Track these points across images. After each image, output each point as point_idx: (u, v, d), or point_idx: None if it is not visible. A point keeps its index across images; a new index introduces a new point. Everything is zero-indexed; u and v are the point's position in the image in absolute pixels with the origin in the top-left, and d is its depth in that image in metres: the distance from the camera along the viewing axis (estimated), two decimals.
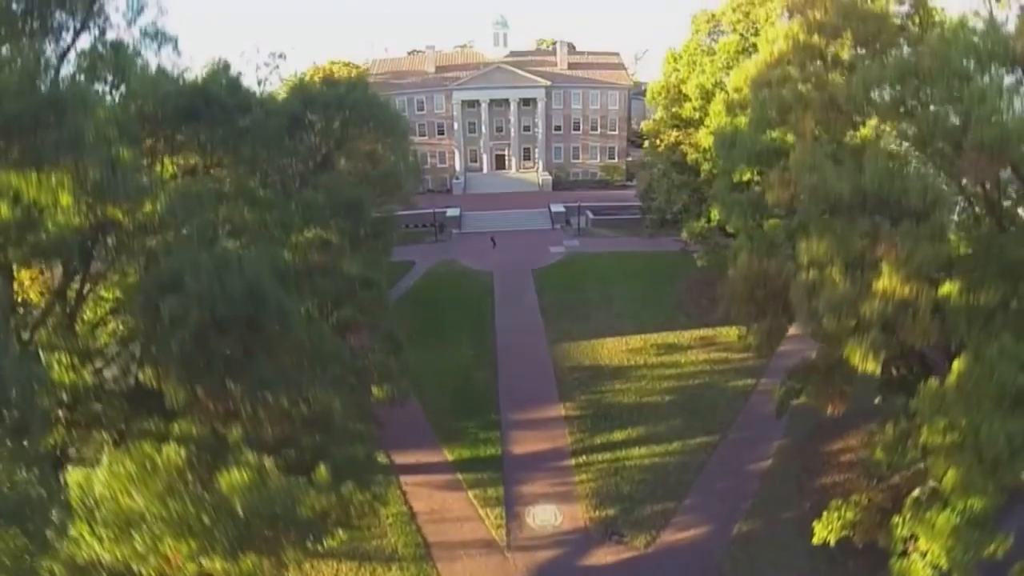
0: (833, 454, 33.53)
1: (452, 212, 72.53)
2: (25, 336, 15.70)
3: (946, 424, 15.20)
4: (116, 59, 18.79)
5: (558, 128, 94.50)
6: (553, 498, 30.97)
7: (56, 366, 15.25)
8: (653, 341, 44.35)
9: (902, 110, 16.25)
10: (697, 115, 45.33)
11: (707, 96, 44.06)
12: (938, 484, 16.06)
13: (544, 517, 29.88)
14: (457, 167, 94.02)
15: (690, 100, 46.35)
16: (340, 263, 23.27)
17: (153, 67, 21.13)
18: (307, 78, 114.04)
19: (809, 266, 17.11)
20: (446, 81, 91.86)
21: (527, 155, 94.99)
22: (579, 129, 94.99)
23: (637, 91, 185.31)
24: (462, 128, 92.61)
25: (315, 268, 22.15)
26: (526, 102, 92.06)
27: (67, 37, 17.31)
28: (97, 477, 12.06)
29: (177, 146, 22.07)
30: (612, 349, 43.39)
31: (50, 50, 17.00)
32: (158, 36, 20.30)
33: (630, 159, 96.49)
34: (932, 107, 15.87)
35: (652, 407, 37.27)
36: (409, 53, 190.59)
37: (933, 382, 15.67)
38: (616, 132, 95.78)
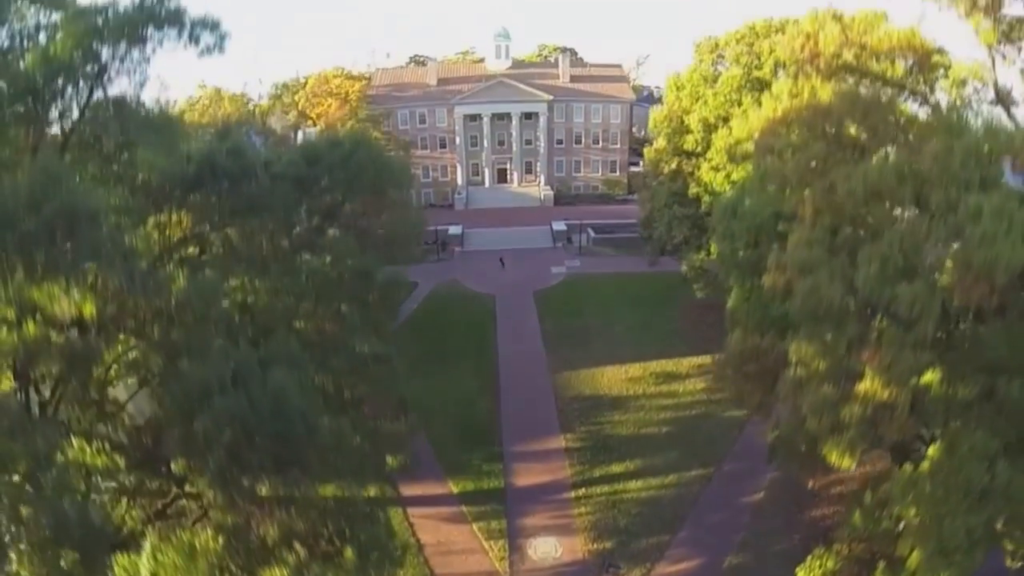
0: (823, 487, 35.50)
1: (454, 230, 74.74)
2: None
3: (916, 509, 17.26)
4: (120, 122, 19.25)
5: (560, 142, 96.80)
6: (554, 530, 33.11)
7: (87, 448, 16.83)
8: (652, 369, 46.46)
9: (898, 214, 17.84)
10: (699, 148, 47.09)
11: (709, 129, 45.92)
12: (904, 559, 18.14)
13: (545, 549, 32.03)
14: (459, 180, 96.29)
15: (692, 132, 47.94)
16: (352, 338, 25.26)
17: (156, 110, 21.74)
18: (307, 88, 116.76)
19: (797, 364, 18.98)
20: (448, 94, 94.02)
21: (529, 168, 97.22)
22: (581, 143, 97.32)
23: (639, 97, 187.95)
24: (464, 142, 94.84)
25: (328, 343, 24.19)
26: (528, 116, 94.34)
27: (73, 112, 18.64)
28: (143, 563, 13.76)
29: (185, 217, 23.04)
30: (612, 378, 45.53)
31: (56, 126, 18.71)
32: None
33: (633, 169, 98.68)
34: (929, 215, 17.02)
35: (649, 439, 39.38)
36: (411, 59, 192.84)
37: (908, 468, 17.55)
38: (618, 146, 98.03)
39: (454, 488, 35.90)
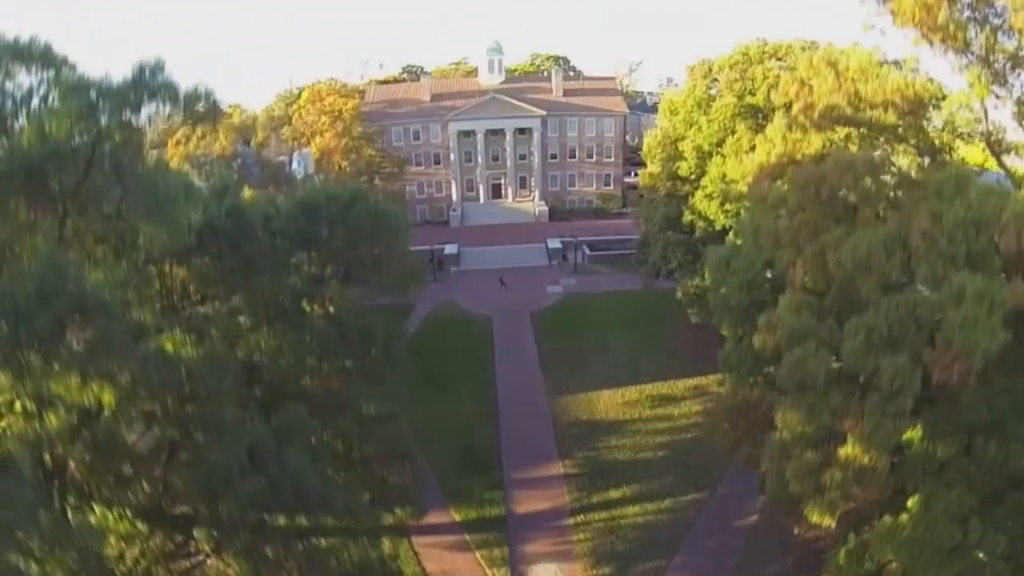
0: None
1: (450, 249, 76.48)
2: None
3: (894, 557, 18.91)
4: (118, 194, 19.27)
5: (554, 156, 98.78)
6: (554, 557, 34.75)
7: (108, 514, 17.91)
8: (648, 392, 48.18)
9: (885, 286, 18.66)
10: (693, 175, 48.52)
11: (703, 157, 47.36)
12: None
13: None
14: (454, 197, 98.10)
15: (686, 159, 49.27)
16: (358, 398, 26.91)
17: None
18: (301, 102, 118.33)
19: (782, 429, 20.55)
20: (442, 110, 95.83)
21: (523, 183, 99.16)
22: (575, 157, 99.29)
23: (633, 104, 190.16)
24: (458, 158, 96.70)
25: (334, 401, 25.87)
26: (522, 131, 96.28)
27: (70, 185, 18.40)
28: None
29: (187, 277, 23.95)
30: (608, 402, 47.24)
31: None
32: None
33: (628, 179, 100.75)
34: (915, 288, 18.39)
35: (646, 463, 41.06)
36: (403, 69, 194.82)
37: (887, 520, 19.02)
38: (612, 159, 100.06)
39: (456, 516, 37.50)
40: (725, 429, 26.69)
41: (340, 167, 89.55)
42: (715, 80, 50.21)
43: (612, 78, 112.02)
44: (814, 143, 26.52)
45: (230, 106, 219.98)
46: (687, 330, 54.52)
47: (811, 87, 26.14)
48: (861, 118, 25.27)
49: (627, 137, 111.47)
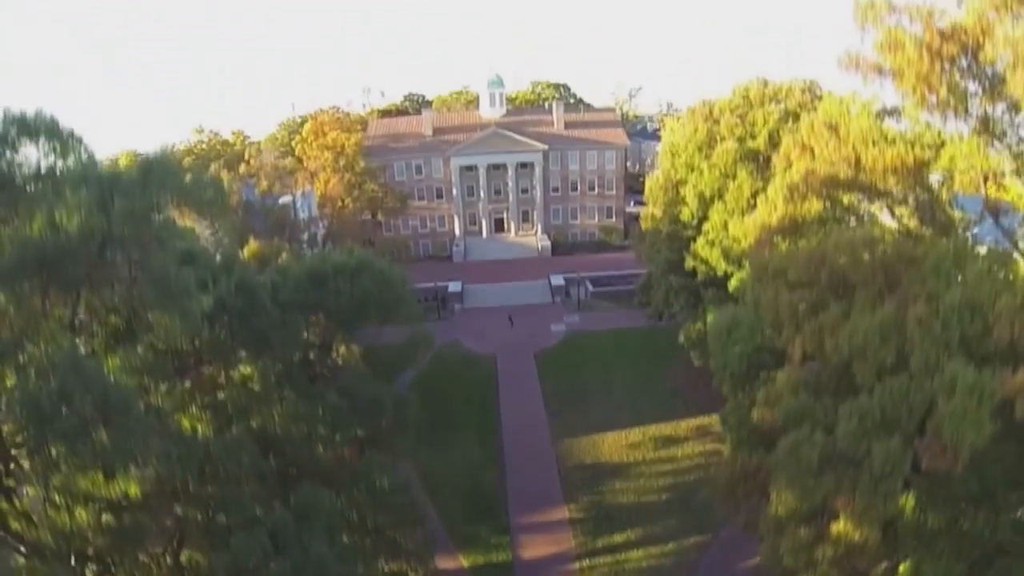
0: None
1: (454, 287, 78.47)
2: None
3: None
4: (130, 285, 19.91)
5: (556, 189, 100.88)
6: None
7: None
8: (651, 433, 49.92)
9: (879, 371, 19.66)
10: (694, 220, 49.66)
11: (705, 203, 48.64)
12: None
13: None
14: (457, 231, 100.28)
15: (687, 205, 50.35)
16: (371, 469, 28.74)
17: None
18: (304, 133, 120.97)
19: (777, 506, 21.97)
20: (444, 144, 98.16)
21: (526, 217, 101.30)
22: (577, 190, 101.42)
23: (634, 130, 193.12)
24: (460, 192, 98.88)
25: (347, 471, 27.70)
26: (524, 165, 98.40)
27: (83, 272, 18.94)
28: None
29: (200, 359, 25.27)
30: (612, 444, 48.95)
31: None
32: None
33: (629, 208, 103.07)
34: (909, 376, 18.97)
35: (649, 507, 42.69)
36: (405, 97, 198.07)
37: None
38: (614, 192, 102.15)
39: (464, 562, 39.16)
40: (725, 495, 28.26)
41: (343, 204, 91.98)
42: (716, 122, 50.92)
43: (612, 109, 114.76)
44: (816, 205, 28.19)
45: (233, 133, 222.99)
46: (690, 368, 55.85)
47: (812, 151, 27.58)
48: (862, 181, 26.27)
49: (628, 164, 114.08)
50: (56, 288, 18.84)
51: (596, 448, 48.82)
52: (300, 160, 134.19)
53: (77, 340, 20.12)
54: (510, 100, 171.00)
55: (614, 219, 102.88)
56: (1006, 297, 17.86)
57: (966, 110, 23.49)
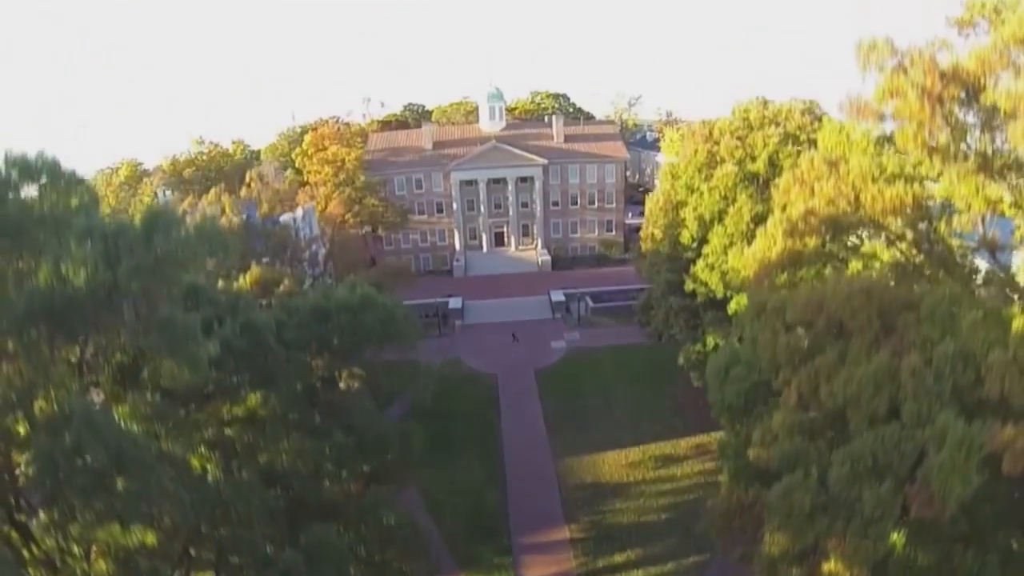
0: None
1: (454, 303, 79.69)
2: None
3: None
4: (137, 335, 20.45)
5: (556, 203, 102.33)
6: None
7: None
8: (651, 452, 51.01)
9: (872, 419, 20.36)
10: (694, 242, 50.24)
11: (705, 226, 49.34)
12: None
13: None
14: (457, 246, 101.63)
15: (687, 228, 50.98)
16: (378, 504, 29.86)
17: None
18: (304, 145, 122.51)
19: (770, 545, 22.67)
20: (444, 158, 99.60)
21: (526, 231, 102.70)
22: (577, 203, 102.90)
23: (633, 139, 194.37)
24: (461, 206, 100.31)
25: (354, 507, 28.88)
26: (524, 179, 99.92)
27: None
28: None
29: (207, 400, 25.87)
30: (612, 463, 50.03)
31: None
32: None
33: (629, 220, 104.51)
34: (901, 425, 19.66)
35: (649, 527, 43.71)
36: (405, 108, 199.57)
37: None
38: (614, 205, 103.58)
39: None
40: (721, 528, 29.30)
41: (344, 220, 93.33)
42: (716, 143, 51.48)
43: (612, 122, 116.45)
44: (815, 241, 29.10)
45: (233, 142, 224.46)
46: (689, 386, 56.82)
47: (812, 188, 28.21)
48: (862, 219, 27.18)
49: (628, 174, 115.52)
50: (63, 336, 19.44)
51: (596, 467, 49.89)
52: (300, 172, 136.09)
53: (84, 382, 21.13)
54: (510, 110, 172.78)
55: (614, 233, 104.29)
56: (997, 352, 18.49)
57: (966, 156, 24.14)
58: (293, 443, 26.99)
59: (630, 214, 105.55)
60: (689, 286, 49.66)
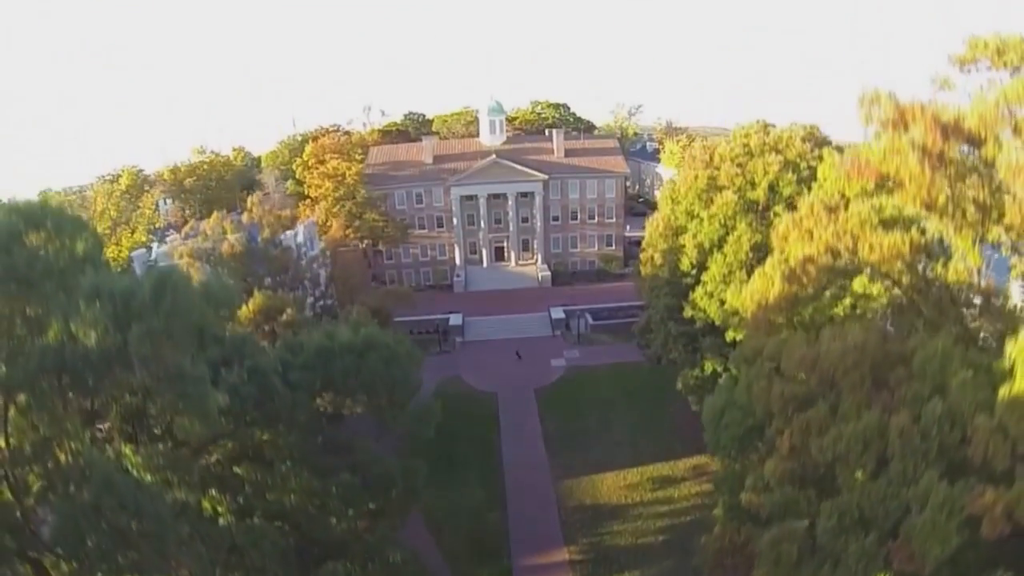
0: None
1: (455, 320, 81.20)
2: None
3: None
4: (148, 388, 21.51)
5: (556, 218, 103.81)
6: None
7: None
8: (649, 474, 52.43)
9: (859, 476, 21.59)
10: (693, 269, 51.02)
11: (704, 253, 50.17)
12: None
13: None
14: (457, 260, 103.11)
15: (687, 254, 51.67)
16: (384, 541, 31.26)
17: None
18: (305, 156, 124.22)
19: None
20: (444, 173, 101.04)
21: (526, 246, 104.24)
22: (577, 218, 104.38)
23: (633, 149, 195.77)
24: (461, 221, 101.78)
25: (360, 543, 30.36)
26: (524, 194, 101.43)
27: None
28: None
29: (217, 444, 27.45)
30: (611, 485, 51.44)
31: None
32: None
33: (628, 232, 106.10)
34: (888, 480, 20.79)
35: (647, 549, 45.06)
36: (405, 116, 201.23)
37: None
38: (614, 220, 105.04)
39: None
40: (713, 566, 30.72)
41: (345, 235, 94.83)
42: (716, 169, 51.87)
43: (613, 136, 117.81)
44: (812, 287, 30.24)
45: (233, 149, 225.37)
46: (687, 406, 58.28)
47: (811, 234, 28.85)
48: (860, 266, 28.23)
49: (628, 184, 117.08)
50: (76, 389, 20.60)
51: (595, 488, 51.29)
52: (301, 183, 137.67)
53: (97, 431, 22.53)
54: (510, 120, 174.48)
55: (614, 247, 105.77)
56: (983, 418, 19.49)
57: (964, 212, 24.84)
58: (301, 482, 28.34)
59: (628, 227, 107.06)
60: (688, 312, 50.73)
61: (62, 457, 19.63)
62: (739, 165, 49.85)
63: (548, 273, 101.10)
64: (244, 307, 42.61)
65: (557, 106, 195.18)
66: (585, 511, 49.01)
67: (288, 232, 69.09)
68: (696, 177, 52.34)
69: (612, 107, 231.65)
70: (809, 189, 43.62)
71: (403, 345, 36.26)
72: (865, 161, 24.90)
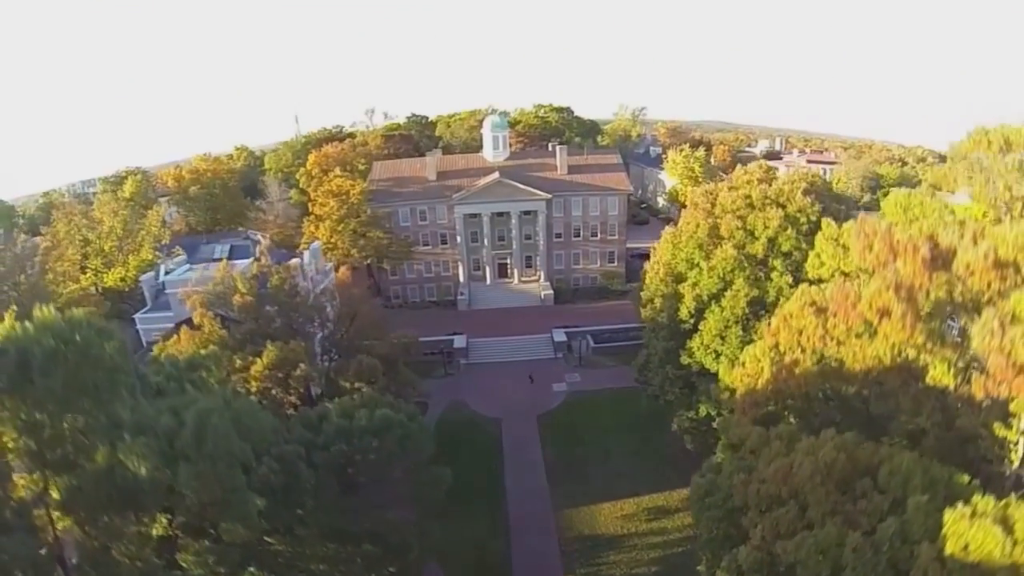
0: None
1: (459, 342, 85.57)
2: None
3: None
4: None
5: (559, 235, 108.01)
6: None
7: None
8: (645, 504, 56.68)
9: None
10: (691, 318, 54.36)
11: (702, 305, 53.42)
12: None
13: None
14: (461, 277, 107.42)
15: (686, 304, 54.53)
16: None
17: None
18: (308, 166, 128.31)
19: None
20: (447, 190, 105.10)
21: (529, 263, 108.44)
22: (579, 236, 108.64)
23: (636, 153, 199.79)
24: (465, 238, 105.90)
25: None
26: (527, 212, 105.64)
27: None
28: None
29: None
30: (608, 515, 55.69)
31: None
32: None
33: (631, 244, 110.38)
34: None
35: None
36: (408, 118, 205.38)
37: None
38: (616, 237, 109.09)
39: None
40: None
41: (349, 254, 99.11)
42: (718, 220, 53.98)
43: (615, 151, 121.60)
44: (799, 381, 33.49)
45: (236, 148, 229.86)
46: (683, 436, 62.87)
47: (799, 333, 32.82)
48: (845, 372, 31.16)
49: (630, 196, 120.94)
50: (129, 508, 24.24)
51: (593, 519, 55.58)
52: (305, 192, 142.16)
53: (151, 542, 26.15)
54: (512, 124, 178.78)
55: (616, 263, 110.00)
56: (927, 546, 22.23)
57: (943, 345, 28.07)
58: (327, 551, 32.68)
59: (630, 239, 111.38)
60: (685, 360, 54.43)
61: (122, 562, 23.50)
62: (740, 218, 52.32)
63: (551, 292, 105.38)
64: (258, 361, 46.29)
65: (560, 110, 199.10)
66: (584, 541, 53.26)
67: (295, 260, 73.19)
68: (698, 226, 54.86)
69: (616, 108, 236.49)
70: (809, 245, 47.10)
71: (415, 421, 40.24)
72: (852, 305, 28.65)
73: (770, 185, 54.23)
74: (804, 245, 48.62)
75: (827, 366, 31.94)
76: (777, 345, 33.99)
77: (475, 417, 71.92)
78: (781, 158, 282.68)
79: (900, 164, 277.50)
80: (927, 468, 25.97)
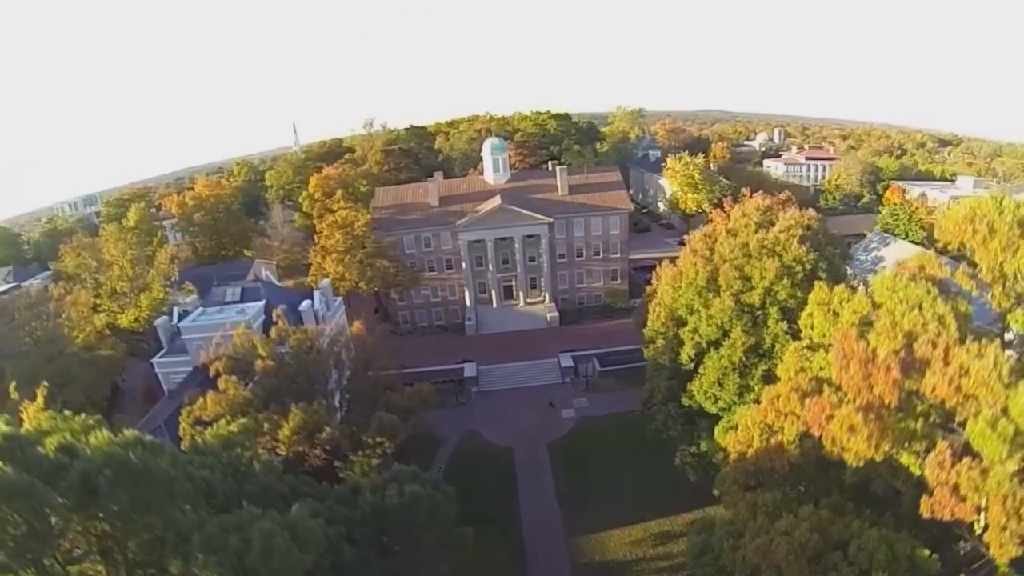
0: None
1: (469, 371, 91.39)
2: None
3: None
4: None
5: (562, 256, 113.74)
6: None
7: None
8: (652, 530, 62.21)
9: None
10: (691, 363, 58.95)
11: (701, 351, 57.84)
12: None
13: None
14: (467, 300, 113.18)
15: (685, 348, 58.74)
16: None
17: None
18: (311, 188, 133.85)
19: None
20: (451, 215, 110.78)
21: (533, 284, 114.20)
22: (582, 255, 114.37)
23: (635, 157, 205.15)
24: (469, 263, 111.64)
25: None
26: (530, 236, 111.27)
27: None
28: None
29: None
30: (617, 541, 61.20)
31: None
32: None
33: (633, 257, 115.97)
34: None
35: None
36: (407, 128, 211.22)
37: None
38: (618, 255, 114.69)
39: None
40: None
41: (357, 286, 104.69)
42: (716, 269, 57.69)
43: (615, 169, 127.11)
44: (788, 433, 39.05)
45: (236, 164, 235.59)
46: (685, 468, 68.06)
47: (786, 416, 38.54)
48: (826, 456, 36.46)
49: (630, 192, 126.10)
50: None
51: (603, 546, 61.13)
52: (308, 215, 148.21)
53: None
54: (511, 133, 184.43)
55: (619, 281, 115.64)
56: None
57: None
58: None
59: (631, 254, 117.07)
60: (686, 401, 59.44)
61: None
62: (738, 268, 56.26)
63: (556, 313, 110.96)
64: (284, 425, 50.82)
65: (558, 116, 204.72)
66: (595, 568, 58.78)
67: (306, 303, 78.64)
68: (697, 273, 59.07)
69: (613, 109, 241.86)
70: (804, 292, 50.94)
71: (440, 491, 45.44)
72: (826, 418, 34.51)
73: (767, 232, 57.87)
74: (799, 293, 52.73)
75: (808, 449, 37.62)
76: (766, 419, 39.82)
77: (489, 447, 77.45)
78: (780, 155, 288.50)
79: (899, 153, 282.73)
80: (892, 543, 31.94)
